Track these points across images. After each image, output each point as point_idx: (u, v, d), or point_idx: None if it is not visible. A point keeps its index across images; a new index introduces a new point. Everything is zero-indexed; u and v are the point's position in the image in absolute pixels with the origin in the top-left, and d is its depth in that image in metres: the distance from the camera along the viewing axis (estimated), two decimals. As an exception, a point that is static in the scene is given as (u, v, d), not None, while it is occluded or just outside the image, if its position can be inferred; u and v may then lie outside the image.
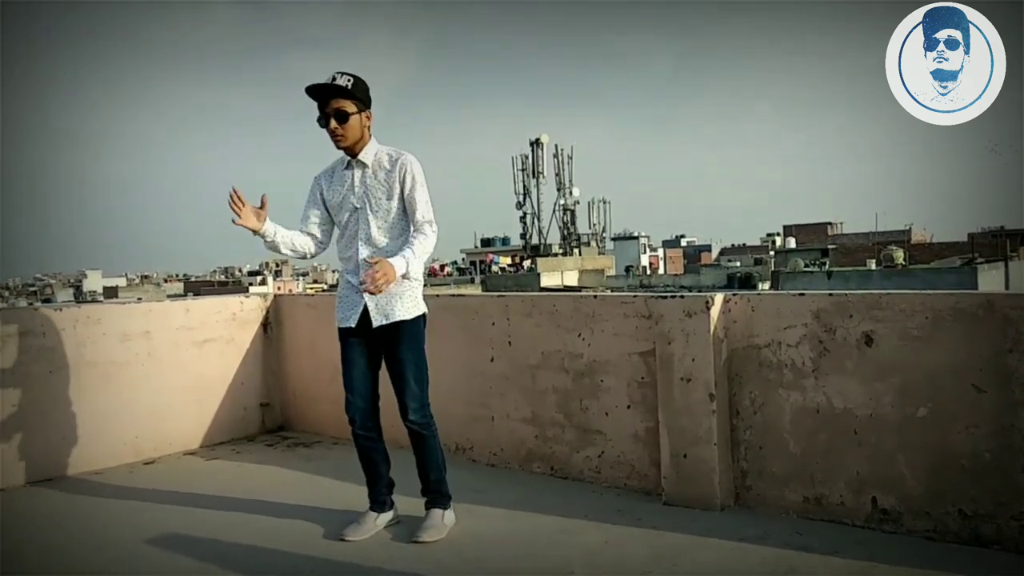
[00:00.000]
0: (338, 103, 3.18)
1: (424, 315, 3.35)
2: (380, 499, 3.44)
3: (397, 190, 3.25)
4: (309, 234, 3.43)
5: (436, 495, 3.38)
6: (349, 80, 3.19)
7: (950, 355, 2.98)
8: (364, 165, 3.28)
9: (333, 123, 3.19)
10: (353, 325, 3.29)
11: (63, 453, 4.42)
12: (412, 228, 3.25)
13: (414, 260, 3.13)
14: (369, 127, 3.29)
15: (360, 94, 3.22)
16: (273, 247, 3.36)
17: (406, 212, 3.27)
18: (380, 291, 3.01)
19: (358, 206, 3.27)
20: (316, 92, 3.20)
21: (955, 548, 2.93)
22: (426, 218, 3.23)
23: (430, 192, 3.30)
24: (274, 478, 4.29)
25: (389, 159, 3.28)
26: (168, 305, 5.19)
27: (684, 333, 3.51)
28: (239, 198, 3.22)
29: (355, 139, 3.24)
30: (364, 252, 3.24)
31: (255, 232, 3.28)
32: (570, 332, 3.99)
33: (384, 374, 3.39)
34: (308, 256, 3.50)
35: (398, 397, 3.31)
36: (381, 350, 3.35)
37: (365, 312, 3.26)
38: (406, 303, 3.26)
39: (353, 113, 3.20)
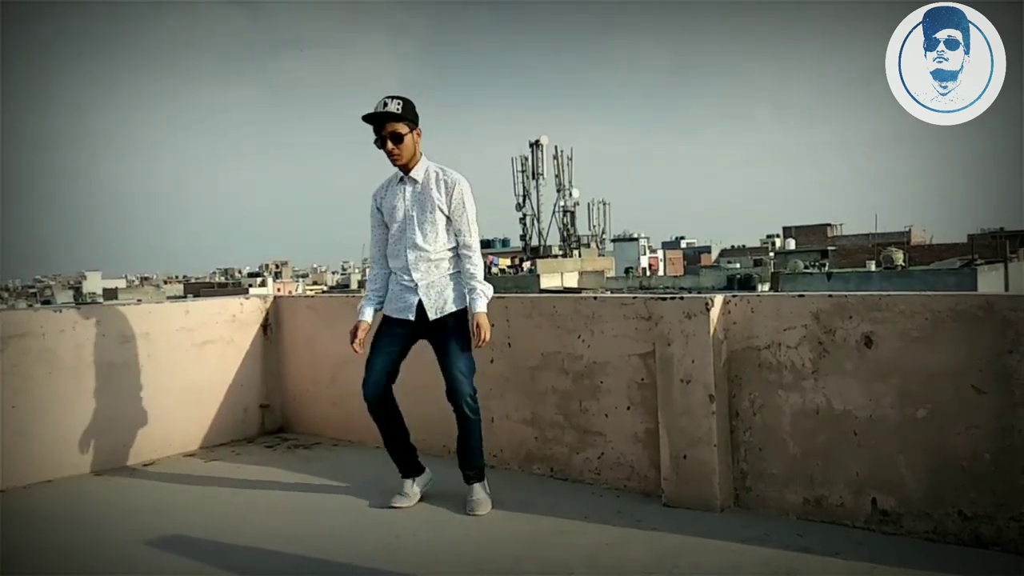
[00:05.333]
0: (392, 126, 3.52)
1: (465, 309, 3.64)
2: (410, 464, 3.77)
3: (444, 207, 3.60)
4: (384, 267, 3.74)
5: (478, 471, 3.70)
6: (399, 104, 3.53)
7: (950, 356, 2.98)
8: (415, 181, 3.63)
9: (390, 144, 3.54)
10: (412, 318, 3.60)
11: (62, 454, 4.41)
12: (460, 248, 3.62)
13: (483, 287, 3.59)
14: (419, 143, 3.63)
15: (409, 115, 3.56)
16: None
17: (449, 222, 3.62)
18: (487, 339, 3.53)
19: (410, 216, 3.61)
20: (372, 119, 3.53)
21: (955, 549, 2.93)
22: (470, 242, 3.62)
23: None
24: (274, 479, 4.29)
25: (438, 177, 3.63)
26: (168, 306, 5.19)
27: (684, 335, 3.51)
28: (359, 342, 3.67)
29: (409, 157, 3.59)
30: (411, 256, 3.59)
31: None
32: (570, 333, 3.99)
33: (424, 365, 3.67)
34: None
35: (451, 385, 3.59)
36: (430, 342, 3.64)
37: (419, 307, 3.59)
38: (456, 297, 3.62)
39: (406, 133, 3.54)
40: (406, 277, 3.61)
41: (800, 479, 3.32)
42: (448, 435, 3.98)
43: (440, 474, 3.86)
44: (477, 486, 3.68)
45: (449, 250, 3.63)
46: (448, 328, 3.59)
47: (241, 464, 4.66)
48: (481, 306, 3.54)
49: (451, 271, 3.63)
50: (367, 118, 3.53)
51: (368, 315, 3.71)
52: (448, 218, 3.60)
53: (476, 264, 3.63)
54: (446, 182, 3.60)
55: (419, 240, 3.58)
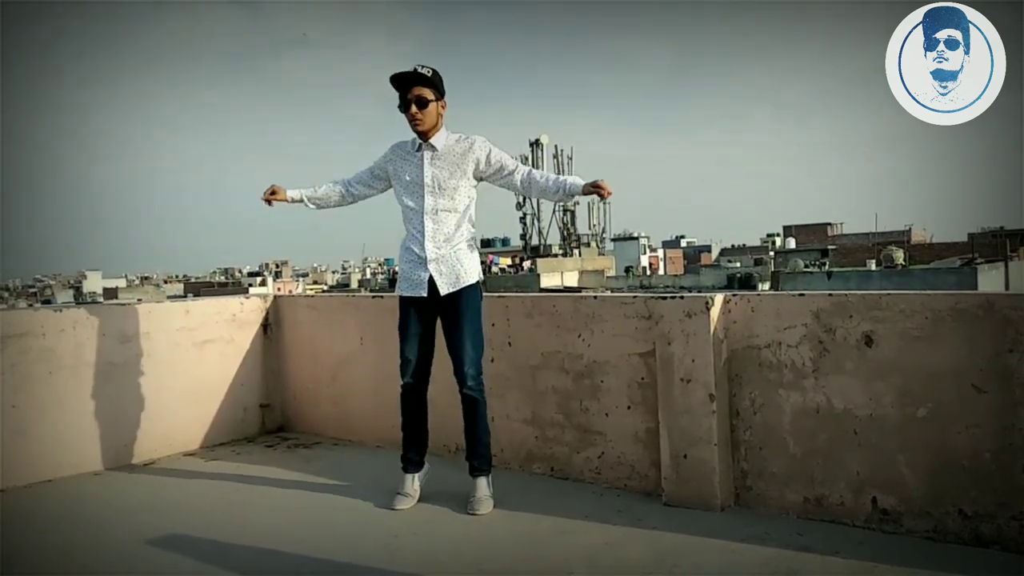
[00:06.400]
0: (419, 90, 3.49)
1: (479, 282, 3.66)
2: (416, 459, 3.76)
3: (468, 169, 3.58)
4: (347, 189, 3.84)
5: (484, 460, 3.67)
6: (429, 70, 3.51)
7: (950, 355, 2.98)
8: (434, 148, 3.57)
9: (413, 108, 3.49)
10: (425, 294, 3.56)
11: (63, 454, 4.41)
12: (517, 173, 3.64)
13: (564, 176, 3.62)
14: (443, 115, 3.59)
15: (438, 83, 3.54)
16: (316, 206, 3.87)
17: (467, 190, 3.61)
18: (611, 191, 3.46)
19: (428, 183, 3.55)
20: (399, 79, 3.50)
21: (955, 548, 2.93)
22: (523, 166, 3.67)
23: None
24: (274, 479, 4.29)
25: (458, 142, 3.60)
26: (168, 306, 5.18)
27: (684, 334, 3.51)
28: (271, 197, 3.80)
29: (431, 125, 3.54)
30: (429, 225, 3.54)
31: (291, 200, 3.83)
32: (570, 333, 3.99)
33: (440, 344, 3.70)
34: (330, 206, 3.89)
35: (457, 366, 3.60)
36: (440, 317, 3.64)
37: (431, 282, 3.56)
38: (468, 270, 3.59)
39: (431, 100, 3.50)
40: (416, 250, 3.56)
41: (800, 478, 3.32)
42: (450, 434, 3.99)
43: (440, 473, 3.86)
44: (482, 482, 3.64)
45: (468, 219, 3.62)
46: (459, 304, 3.57)
47: (241, 464, 4.66)
48: (579, 180, 3.53)
49: (466, 242, 3.61)
50: (394, 79, 3.49)
51: (292, 192, 3.80)
52: (468, 184, 3.59)
53: (544, 172, 3.69)
54: (468, 143, 3.59)
55: (439, 207, 3.54)
